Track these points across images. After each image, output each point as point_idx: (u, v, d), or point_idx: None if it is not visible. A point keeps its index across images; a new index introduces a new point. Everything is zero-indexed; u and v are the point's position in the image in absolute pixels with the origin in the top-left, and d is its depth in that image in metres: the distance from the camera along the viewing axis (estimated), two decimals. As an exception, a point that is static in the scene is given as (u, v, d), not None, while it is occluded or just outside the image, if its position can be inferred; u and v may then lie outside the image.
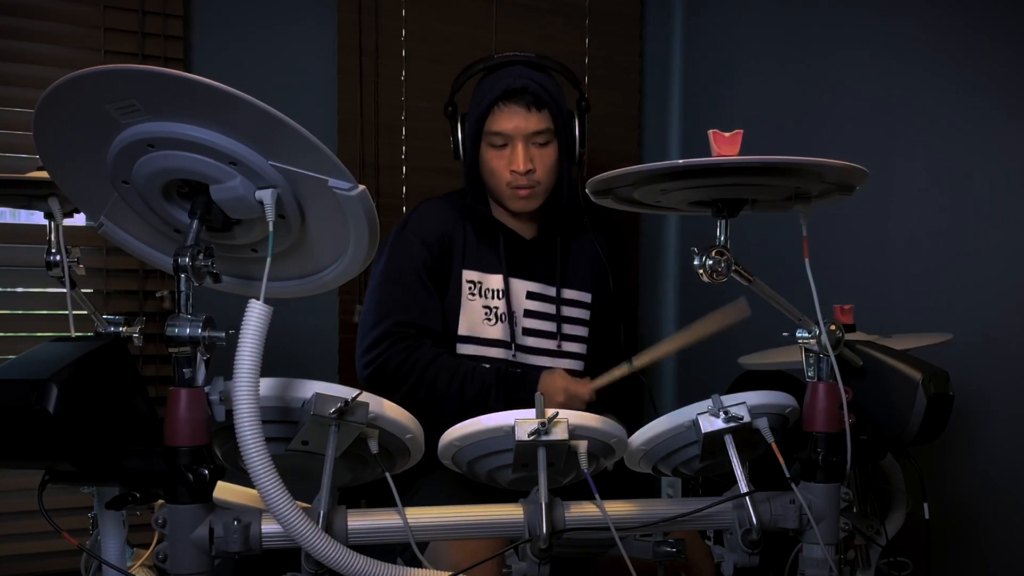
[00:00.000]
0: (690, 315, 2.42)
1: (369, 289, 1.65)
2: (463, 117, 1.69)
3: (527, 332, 1.70)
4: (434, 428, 1.06)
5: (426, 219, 1.67)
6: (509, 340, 1.66)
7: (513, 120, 1.60)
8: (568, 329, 1.74)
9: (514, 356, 1.67)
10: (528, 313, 1.70)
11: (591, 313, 1.78)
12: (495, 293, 1.67)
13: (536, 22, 2.28)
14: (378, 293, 1.62)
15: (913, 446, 1.15)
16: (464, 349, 1.63)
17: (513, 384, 1.57)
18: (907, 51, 1.76)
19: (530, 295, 1.71)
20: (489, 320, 1.65)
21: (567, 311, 1.75)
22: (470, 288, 1.65)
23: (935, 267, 1.71)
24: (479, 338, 1.64)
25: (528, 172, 1.62)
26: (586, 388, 1.55)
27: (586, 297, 1.78)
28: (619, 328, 1.83)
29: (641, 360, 1.56)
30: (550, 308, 1.73)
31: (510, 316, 1.67)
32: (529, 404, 1.51)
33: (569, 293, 1.76)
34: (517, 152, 1.61)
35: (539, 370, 1.61)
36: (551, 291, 1.73)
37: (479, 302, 1.65)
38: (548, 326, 1.72)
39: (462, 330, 1.63)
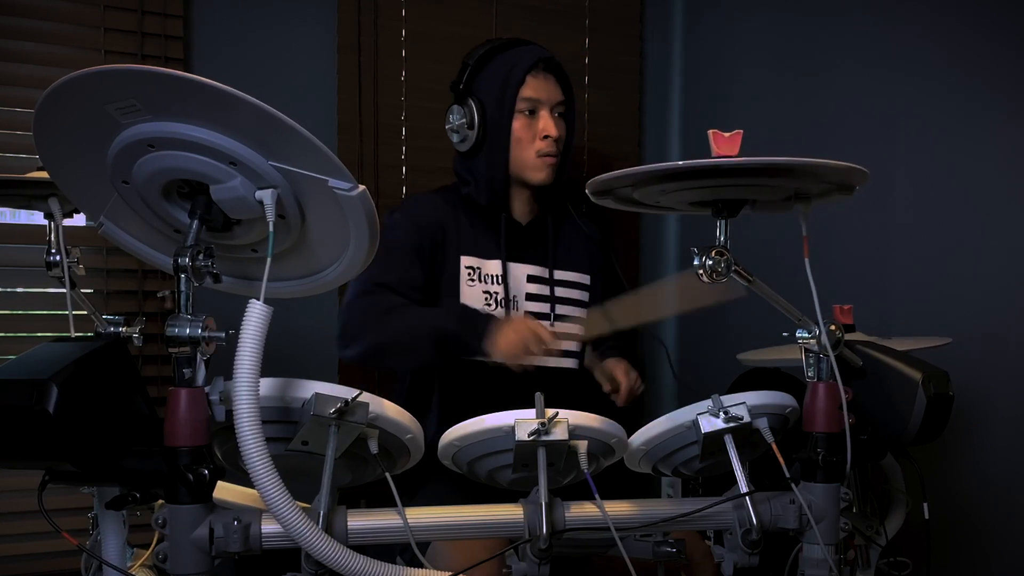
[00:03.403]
0: (691, 315, 2.44)
1: None
2: (479, 93, 1.67)
3: (529, 315, 1.69)
4: (434, 430, 1.06)
5: (419, 206, 1.69)
6: None
7: (546, 87, 1.66)
8: (563, 310, 1.74)
9: None
10: (529, 296, 1.71)
11: (590, 295, 1.79)
12: (494, 278, 1.68)
13: (536, 22, 2.27)
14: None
15: (913, 446, 1.15)
16: None
17: (471, 313, 1.57)
18: (907, 51, 1.76)
19: (530, 278, 1.72)
20: (490, 305, 1.66)
21: (561, 291, 1.75)
22: (469, 273, 1.66)
23: (935, 267, 1.71)
24: None
25: (557, 139, 1.67)
26: (547, 332, 1.48)
27: (584, 279, 1.79)
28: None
29: (619, 312, 1.57)
30: (548, 290, 1.74)
31: (508, 301, 1.67)
32: (483, 327, 1.50)
33: (563, 274, 1.76)
34: (547, 119, 1.66)
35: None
36: (547, 272, 1.74)
37: (479, 287, 1.66)
38: (548, 308, 1.73)
39: None
